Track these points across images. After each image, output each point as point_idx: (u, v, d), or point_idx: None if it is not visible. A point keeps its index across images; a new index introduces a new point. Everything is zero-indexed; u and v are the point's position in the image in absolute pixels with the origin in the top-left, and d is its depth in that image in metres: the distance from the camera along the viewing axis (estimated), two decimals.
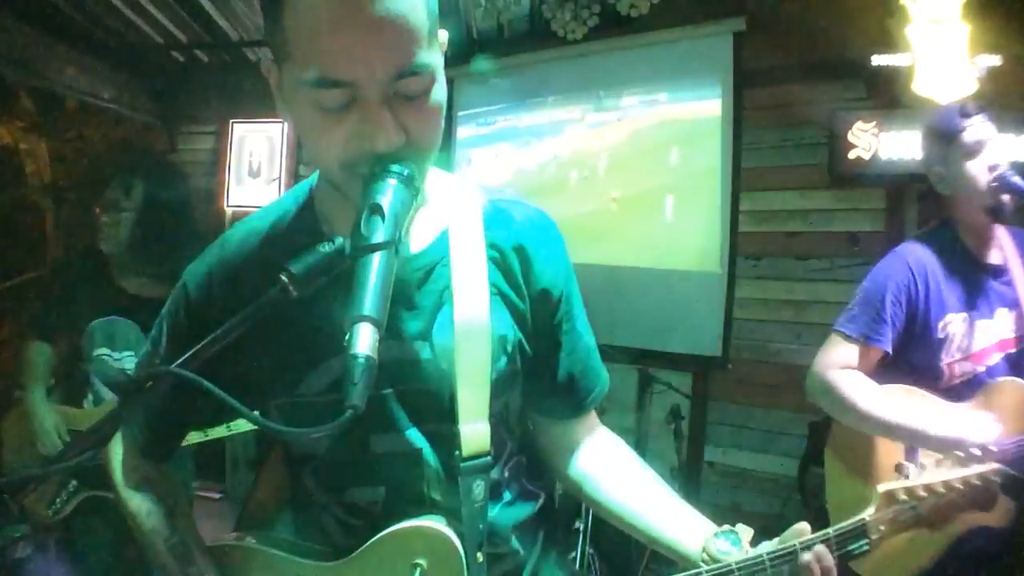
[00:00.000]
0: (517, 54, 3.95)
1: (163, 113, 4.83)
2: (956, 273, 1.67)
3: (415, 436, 0.88)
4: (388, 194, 0.71)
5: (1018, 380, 1.61)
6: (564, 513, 2.57)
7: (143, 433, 0.97)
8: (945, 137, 1.68)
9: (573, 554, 2.57)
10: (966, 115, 1.65)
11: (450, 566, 0.84)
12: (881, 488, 0.95)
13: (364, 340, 0.63)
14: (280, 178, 4.56)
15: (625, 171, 3.79)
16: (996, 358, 1.67)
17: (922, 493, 0.96)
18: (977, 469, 1.02)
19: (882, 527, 0.94)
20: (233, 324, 0.70)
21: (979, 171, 1.63)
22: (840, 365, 1.65)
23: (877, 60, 2.97)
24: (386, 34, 0.69)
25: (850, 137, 3.13)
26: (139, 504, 0.97)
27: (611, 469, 1.03)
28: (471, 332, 0.86)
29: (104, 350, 2.10)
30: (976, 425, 1.54)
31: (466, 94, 4.16)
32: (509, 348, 0.90)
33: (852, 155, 3.13)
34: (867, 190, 3.19)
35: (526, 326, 0.93)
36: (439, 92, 0.77)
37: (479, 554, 0.86)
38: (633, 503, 0.99)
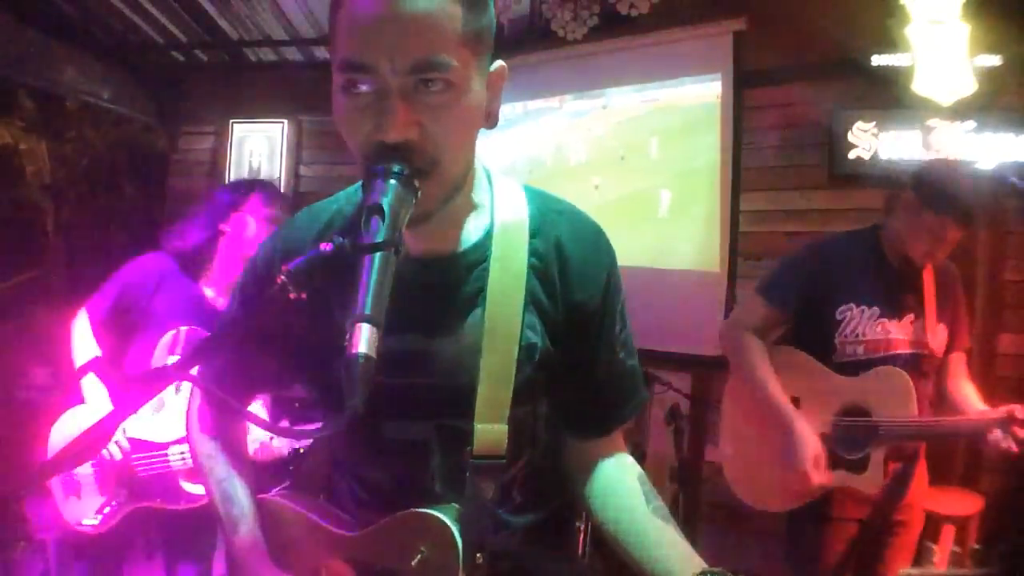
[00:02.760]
0: (517, 54, 3.95)
1: (163, 113, 4.83)
2: (870, 272, 1.93)
3: (427, 428, 0.89)
4: (388, 194, 0.71)
5: (898, 369, 1.85)
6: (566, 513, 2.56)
7: (215, 388, 1.03)
8: (933, 203, 1.84)
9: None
10: (962, 220, 1.82)
11: (448, 562, 0.85)
12: (901, 573, 0.93)
13: (363, 340, 0.64)
14: (280, 178, 4.56)
15: (624, 171, 3.79)
16: (893, 350, 1.89)
17: None
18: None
19: None
20: (238, 320, 0.71)
21: (924, 243, 1.85)
22: (750, 322, 1.99)
23: (877, 60, 2.97)
24: (410, 25, 0.72)
25: (850, 137, 3.13)
26: (202, 447, 1.07)
27: (611, 497, 1.01)
28: (499, 336, 0.87)
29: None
30: (808, 442, 1.80)
31: None
32: (536, 357, 0.90)
33: (852, 155, 3.13)
34: (867, 190, 3.18)
35: (558, 338, 0.92)
36: (469, 101, 0.79)
37: (479, 555, 0.86)
38: (625, 536, 0.97)
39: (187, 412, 1.10)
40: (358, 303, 0.65)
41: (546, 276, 0.91)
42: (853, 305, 1.89)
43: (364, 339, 0.64)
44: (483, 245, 0.91)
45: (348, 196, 0.97)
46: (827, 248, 2.02)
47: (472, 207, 0.92)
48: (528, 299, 0.89)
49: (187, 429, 1.10)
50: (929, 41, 2.85)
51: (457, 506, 0.88)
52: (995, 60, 2.78)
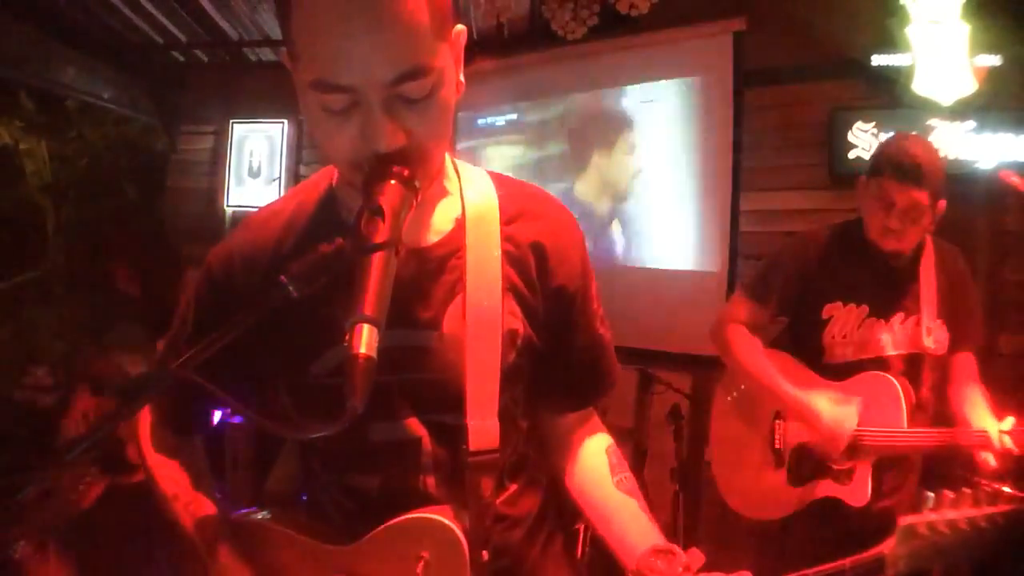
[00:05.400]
0: (517, 54, 3.95)
1: (163, 113, 4.83)
2: (856, 268, 1.79)
3: (415, 426, 0.87)
4: (388, 194, 0.71)
5: (886, 376, 1.73)
6: (567, 511, 2.56)
7: (169, 408, 1.00)
8: (876, 170, 1.74)
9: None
10: (903, 177, 1.66)
11: (453, 562, 0.83)
12: (903, 521, 0.91)
13: (363, 340, 0.63)
14: (280, 178, 4.56)
15: (624, 170, 3.78)
16: (882, 353, 1.77)
17: (944, 529, 0.91)
18: (1004, 507, 0.95)
19: (901, 562, 0.90)
20: (235, 321, 0.70)
21: (878, 216, 1.71)
22: (735, 318, 1.93)
23: (877, 60, 2.97)
24: (384, 38, 0.69)
25: (850, 137, 3.13)
26: (161, 469, 1.00)
27: (580, 470, 1.02)
28: (481, 325, 0.86)
29: None
30: (837, 410, 1.70)
31: (466, 94, 4.16)
32: (519, 343, 0.89)
33: (852, 155, 3.13)
34: None
35: (537, 322, 0.92)
36: (445, 91, 0.77)
37: (484, 552, 0.85)
38: (591, 509, 0.99)
39: (139, 433, 1.03)
40: (358, 303, 0.65)
41: (522, 262, 0.91)
42: (840, 303, 1.78)
43: (365, 339, 0.63)
44: (457, 234, 0.89)
45: (299, 193, 0.94)
46: (811, 242, 1.89)
47: (442, 194, 0.91)
48: (506, 285, 0.89)
49: (141, 450, 1.03)
50: (929, 41, 2.85)
51: (453, 506, 0.86)
52: (995, 60, 2.77)
